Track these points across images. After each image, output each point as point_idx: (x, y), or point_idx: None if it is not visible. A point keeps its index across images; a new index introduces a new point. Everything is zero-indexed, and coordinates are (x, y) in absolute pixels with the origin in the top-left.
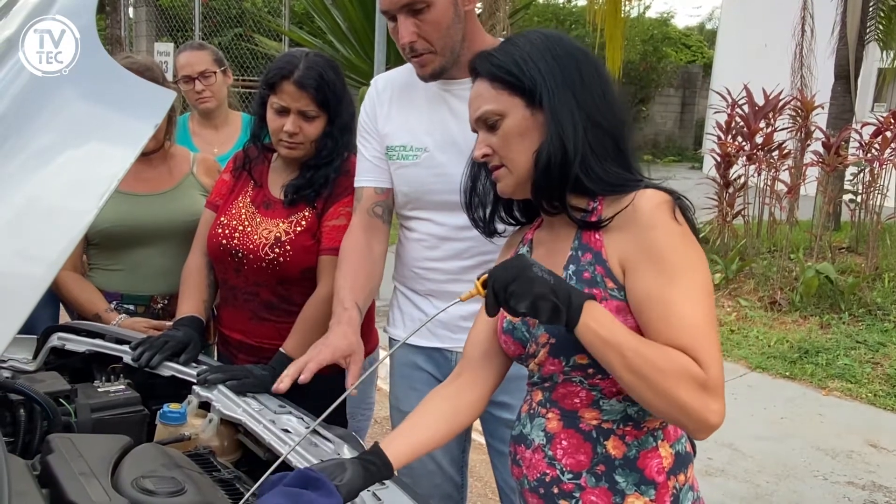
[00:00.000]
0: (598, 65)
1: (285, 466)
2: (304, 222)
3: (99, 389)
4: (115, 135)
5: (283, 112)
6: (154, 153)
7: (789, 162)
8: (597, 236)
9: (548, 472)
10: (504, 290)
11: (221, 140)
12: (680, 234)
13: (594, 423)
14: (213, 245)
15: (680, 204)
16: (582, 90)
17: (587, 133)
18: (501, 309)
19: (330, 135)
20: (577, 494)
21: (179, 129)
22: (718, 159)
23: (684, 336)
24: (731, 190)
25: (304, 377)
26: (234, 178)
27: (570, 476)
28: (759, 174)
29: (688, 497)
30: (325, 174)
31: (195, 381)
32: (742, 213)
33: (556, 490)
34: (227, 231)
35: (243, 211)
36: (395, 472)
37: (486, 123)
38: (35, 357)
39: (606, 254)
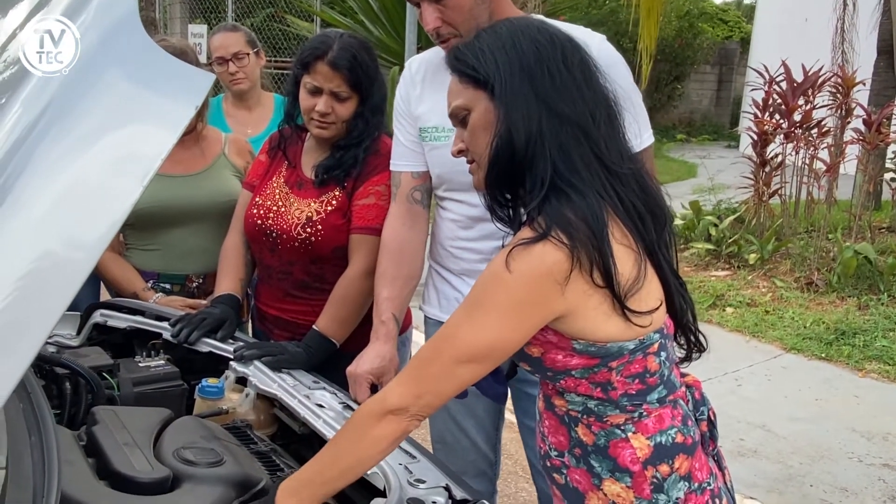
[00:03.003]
0: (568, 52)
1: (319, 441)
2: (334, 202)
3: (140, 364)
4: (156, 117)
5: (316, 92)
6: (187, 135)
7: (828, 140)
8: None
9: (541, 446)
10: None
11: (255, 121)
12: (496, 276)
13: (563, 409)
14: (249, 225)
15: (575, 243)
16: (542, 79)
17: (542, 122)
18: None
19: (361, 115)
20: (564, 471)
21: (213, 110)
22: (755, 137)
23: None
24: (767, 169)
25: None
26: (270, 158)
27: (556, 453)
28: (797, 152)
29: (677, 487)
30: (354, 154)
31: (232, 356)
32: (779, 192)
33: (548, 464)
34: (261, 211)
35: (277, 191)
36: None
37: (458, 119)
38: (79, 333)
39: None
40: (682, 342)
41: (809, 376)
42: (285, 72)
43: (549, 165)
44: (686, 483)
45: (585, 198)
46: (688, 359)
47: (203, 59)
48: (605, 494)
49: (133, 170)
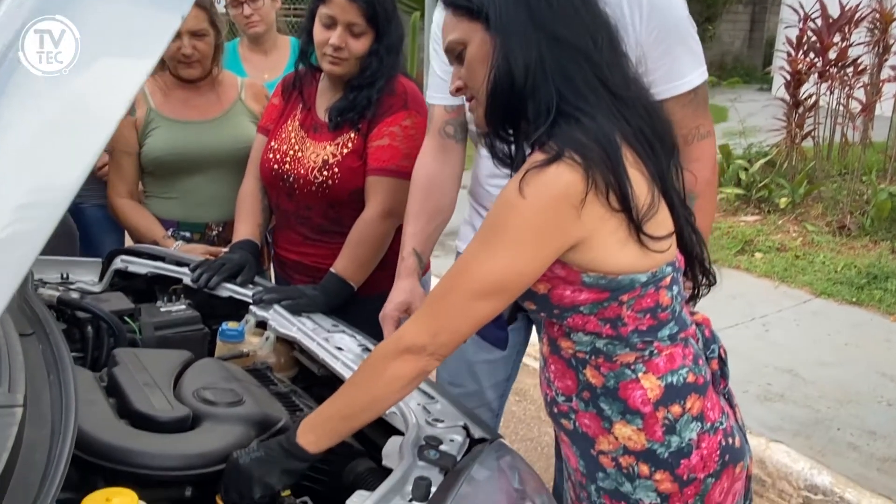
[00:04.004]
0: None
1: (339, 383)
2: (350, 144)
3: (161, 309)
4: (142, 30)
5: (331, 25)
6: (202, 80)
7: (864, 79)
8: None
9: (548, 392)
10: (238, 493)
11: (271, 65)
12: (509, 204)
13: (570, 351)
14: (265, 170)
15: (590, 162)
16: (537, 4)
17: (542, 48)
18: None
19: (376, 53)
20: (573, 416)
21: (229, 54)
22: (788, 77)
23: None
24: (800, 110)
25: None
26: (284, 101)
27: (563, 399)
28: (832, 92)
29: (689, 428)
30: (367, 95)
31: (251, 301)
32: (812, 134)
33: (555, 410)
34: (277, 156)
35: (293, 135)
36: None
37: (454, 55)
38: (101, 279)
39: None
40: (691, 277)
41: (839, 321)
42: (303, 19)
43: (554, 92)
44: (699, 423)
45: (595, 120)
46: (696, 294)
47: (221, 8)
48: (616, 438)
49: (119, 86)
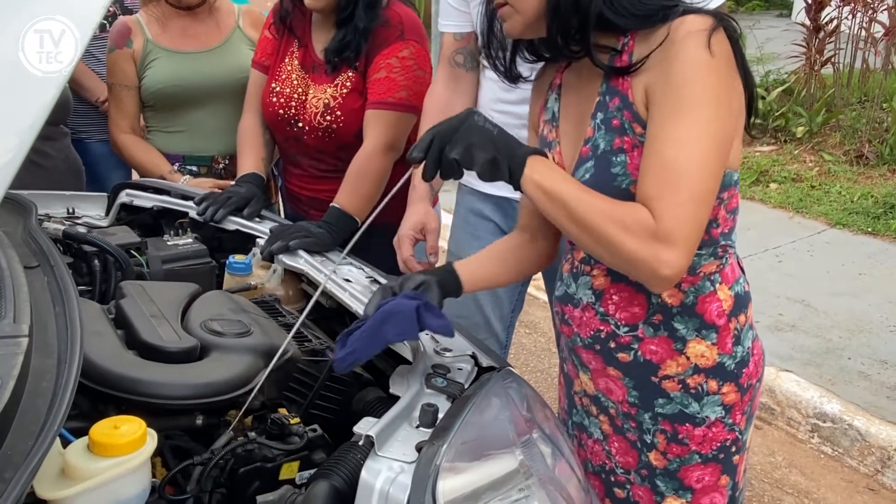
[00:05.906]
0: None
1: (349, 315)
2: (349, 83)
3: (168, 243)
4: None
5: None
6: (199, 7)
7: (889, 1)
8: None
9: (602, 328)
10: (443, 140)
11: None
12: (704, 65)
13: None
14: (270, 114)
15: (727, 30)
16: None
17: None
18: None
19: None
20: (636, 346)
21: None
22: (809, 1)
23: (650, 181)
24: (821, 35)
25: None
26: (278, 35)
27: (627, 329)
28: (854, 16)
29: (748, 336)
30: (354, 29)
31: (258, 235)
32: (832, 60)
33: (612, 344)
34: (281, 100)
35: (294, 76)
36: (463, 293)
37: None
38: (107, 213)
39: (633, 96)
40: None
41: (854, 251)
42: None
43: None
44: (751, 331)
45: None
46: None
47: None
48: (688, 358)
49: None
